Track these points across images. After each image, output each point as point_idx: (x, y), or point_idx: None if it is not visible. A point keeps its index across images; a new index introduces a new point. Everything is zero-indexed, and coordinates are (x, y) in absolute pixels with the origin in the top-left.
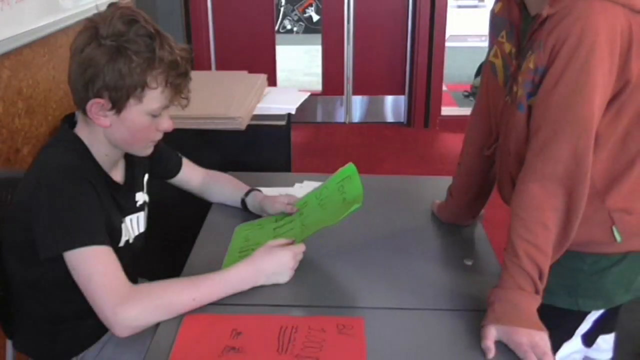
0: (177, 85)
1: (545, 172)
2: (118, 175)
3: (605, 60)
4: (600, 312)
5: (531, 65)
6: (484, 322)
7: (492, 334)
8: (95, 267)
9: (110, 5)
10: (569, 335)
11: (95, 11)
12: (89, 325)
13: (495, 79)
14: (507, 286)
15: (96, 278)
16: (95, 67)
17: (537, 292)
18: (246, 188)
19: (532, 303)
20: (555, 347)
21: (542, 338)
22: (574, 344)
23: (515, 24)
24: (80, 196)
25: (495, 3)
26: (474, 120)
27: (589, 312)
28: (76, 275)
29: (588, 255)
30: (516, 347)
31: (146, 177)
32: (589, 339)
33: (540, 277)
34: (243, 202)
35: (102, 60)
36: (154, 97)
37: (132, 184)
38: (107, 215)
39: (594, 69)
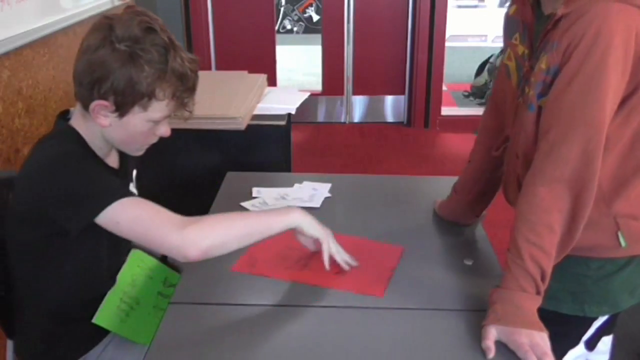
0: (183, 99)
1: (554, 175)
2: (114, 162)
3: (619, 61)
4: (605, 317)
5: (543, 66)
6: (485, 322)
7: (492, 334)
8: (136, 212)
9: (128, 7)
10: (575, 342)
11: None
12: (90, 327)
13: (509, 81)
14: (509, 287)
15: (144, 217)
16: (105, 69)
17: (538, 293)
18: None
19: (534, 304)
20: (561, 354)
21: (543, 338)
22: (577, 350)
23: (528, 24)
24: (91, 166)
25: (510, 6)
26: (485, 120)
27: (595, 319)
28: (122, 229)
29: (593, 261)
30: (517, 347)
31: (135, 172)
32: (591, 344)
33: (543, 279)
34: None
35: (114, 64)
36: (159, 107)
37: (125, 173)
38: None
39: (608, 70)
